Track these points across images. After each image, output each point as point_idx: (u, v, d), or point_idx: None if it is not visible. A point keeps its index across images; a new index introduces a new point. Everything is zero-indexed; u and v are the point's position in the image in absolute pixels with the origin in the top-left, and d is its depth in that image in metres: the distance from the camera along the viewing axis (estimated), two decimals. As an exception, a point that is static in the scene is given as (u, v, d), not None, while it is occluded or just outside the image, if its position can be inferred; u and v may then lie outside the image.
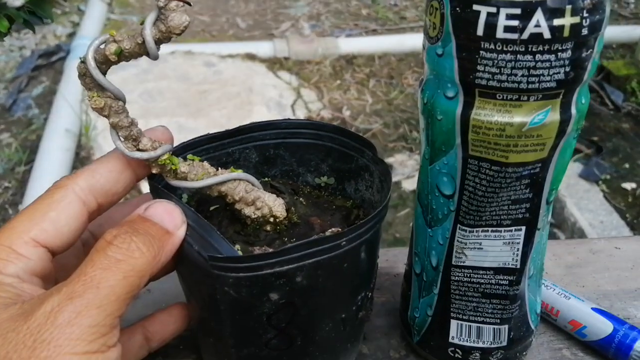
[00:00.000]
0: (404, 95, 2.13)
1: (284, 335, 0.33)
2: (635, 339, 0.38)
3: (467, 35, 0.28)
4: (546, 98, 0.29)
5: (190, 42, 2.27)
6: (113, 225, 0.29)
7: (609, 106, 2.01)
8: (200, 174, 0.34)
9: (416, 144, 1.87)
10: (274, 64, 2.25)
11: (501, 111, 0.29)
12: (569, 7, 0.27)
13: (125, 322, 0.43)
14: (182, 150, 0.37)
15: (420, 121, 0.34)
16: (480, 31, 0.27)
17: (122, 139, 0.31)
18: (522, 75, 0.28)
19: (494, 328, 0.36)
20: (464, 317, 0.36)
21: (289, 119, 0.42)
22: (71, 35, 2.40)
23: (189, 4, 0.28)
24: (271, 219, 0.36)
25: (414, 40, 2.39)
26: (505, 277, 0.35)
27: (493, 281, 0.35)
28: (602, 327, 0.39)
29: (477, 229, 0.33)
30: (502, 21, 0.27)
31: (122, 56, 0.29)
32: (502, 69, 0.28)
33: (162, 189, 0.33)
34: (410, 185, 1.71)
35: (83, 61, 0.29)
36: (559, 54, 0.27)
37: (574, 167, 1.68)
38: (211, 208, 0.38)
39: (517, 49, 0.27)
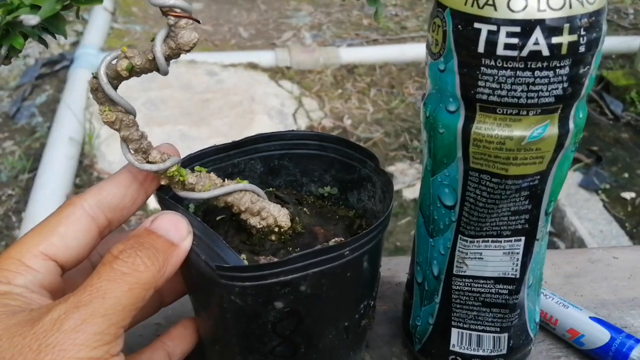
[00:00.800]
0: (405, 104, 2.15)
1: (289, 342, 0.34)
2: (631, 347, 0.39)
3: (468, 52, 0.29)
4: (545, 113, 0.30)
5: (193, 51, 2.28)
6: None
7: (609, 116, 2.03)
8: (207, 185, 0.34)
9: (417, 153, 1.88)
10: (276, 73, 2.26)
11: (501, 125, 0.30)
12: (566, 25, 0.28)
13: (133, 329, 0.44)
14: (189, 162, 0.38)
15: (423, 134, 0.34)
16: (481, 48, 0.28)
17: (132, 152, 0.32)
18: (522, 91, 0.29)
19: (494, 336, 0.37)
20: (465, 326, 0.37)
21: (293, 130, 0.43)
22: (75, 44, 2.41)
23: (197, 21, 0.29)
24: (276, 229, 0.37)
25: (414, 50, 2.40)
26: (505, 286, 0.35)
27: (493, 290, 0.36)
28: (600, 335, 0.40)
29: (478, 239, 0.34)
30: (502, 39, 0.28)
31: (133, 72, 0.30)
32: (502, 84, 0.29)
33: (169, 199, 0.34)
34: (411, 193, 1.72)
35: (95, 76, 0.30)
36: (557, 70, 0.28)
37: (574, 177, 1.69)
38: (217, 218, 0.39)
39: (517, 65, 0.28)
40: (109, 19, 2.58)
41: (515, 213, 0.33)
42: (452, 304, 0.37)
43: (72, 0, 0.27)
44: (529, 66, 0.28)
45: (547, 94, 0.29)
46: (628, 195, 1.67)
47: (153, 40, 0.29)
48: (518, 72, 0.28)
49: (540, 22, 0.27)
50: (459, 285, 0.36)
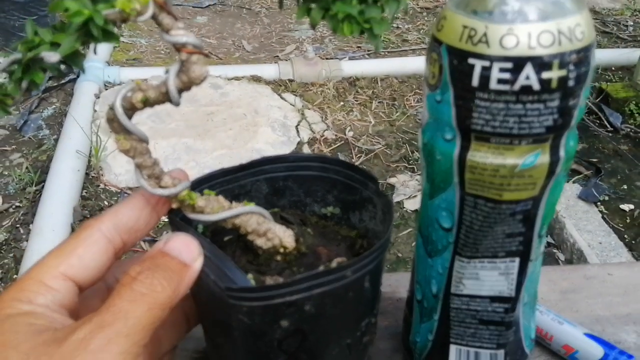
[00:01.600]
0: (406, 116, 2.17)
1: (294, 359, 0.35)
2: (624, 363, 0.40)
3: (463, 86, 0.31)
4: (536, 142, 0.31)
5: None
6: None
7: (608, 128, 2.04)
8: (216, 208, 0.36)
9: (418, 165, 1.89)
10: (279, 86, 2.29)
11: (495, 154, 0.32)
12: (556, 61, 0.29)
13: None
14: (198, 184, 0.40)
15: (421, 160, 0.36)
16: (475, 82, 0.30)
17: (146, 177, 0.34)
18: (514, 122, 0.30)
19: (491, 353, 0.38)
20: (463, 342, 0.39)
21: (297, 153, 0.45)
22: (80, 57, 2.44)
23: (207, 56, 0.31)
24: (281, 250, 0.38)
25: (415, 63, 2.43)
26: (500, 305, 0.37)
27: (489, 309, 0.37)
28: (594, 351, 0.41)
29: (474, 260, 0.36)
30: (495, 74, 0.30)
31: (147, 103, 0.31)
32: (496, 116, 0.30)
33: (179, 221, 0.36)
34: (411, 205, 1.73)
35: (111, 108, 0.32)
36: (548, 103, 0.30)
37: (573, 188, 1.70)
38: (225, 239, 0.40)
39: (509, 98, 0.30)
40: (116, 43, 2.60)
41: (510, 235, 0.34)
42: (451, 321, 0.38)
43: (91, 38, 0.29)
44: (520, 99, 0.30)
45: (538, 124, 0.30)
46: (627, 207, 1.69)
47: (166, 72, 0.31)
48: (510, 104, 0.30)
49: (531, 59, 0.29)
50: (457, 304, 0.37)
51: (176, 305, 0.31)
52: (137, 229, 0.34)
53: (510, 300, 0.37)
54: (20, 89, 0.29)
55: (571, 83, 0.30)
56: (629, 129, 2.03)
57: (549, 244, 1.54)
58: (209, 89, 2.21)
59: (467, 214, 0.34)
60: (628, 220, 1.64)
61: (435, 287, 0.38)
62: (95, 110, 2.05)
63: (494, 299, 0.37)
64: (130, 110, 0.32)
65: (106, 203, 1.69)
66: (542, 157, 0.32)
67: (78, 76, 2.23)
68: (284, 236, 0.38)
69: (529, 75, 0.29)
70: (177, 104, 0.32)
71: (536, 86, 0.29)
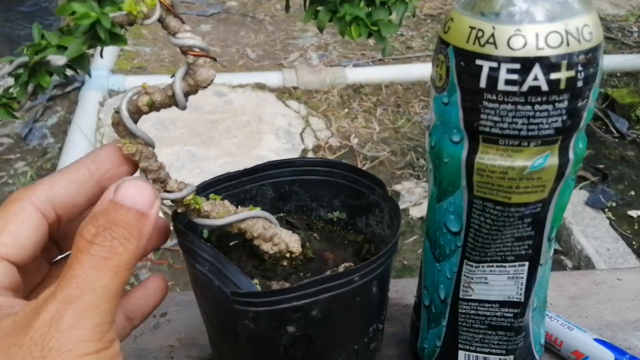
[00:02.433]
0: (411, 123, 2.16)
1: (301, 365, 0.35)
2: (636, 369, 0.39)
3: (470, 87, 0.30)
4: (545, 144, 0.31)
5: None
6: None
7: (614, 134, 2.03)
8: (221, 213, 0.36)
9: (423, 172, 1.89)
10: (283, 93, 2.29)
11: (503, 156, 0.31)
12: (564, 62, 0.29)
13: (147, 351, 0.45)
14: (203, 189, 0.39)
15: (428, 163, 0.36)
16: (483, 84, 0.30)
17: (151, 182, 0.33)
18: (523, 124, 0.30)
19: (500, 359, 0.38)
20: (471, 348, 0.38)
21: (303, 157, 0.44)
22: (85, 66, 2.45)
23: (214, 59, 0.31)
24: (287, 255, 0.38)
25: (420, 70, 2.43)
26: (510, 310, 0.36)
27: (498, 314, 0.37)
28: (604, 357, 0.41)
29: (483, 264, 0.35)
30: (503, 75, 0.29)
31: (154, 107, 0.31)
32: (504, 117, 0.30)
33: (184, 229, 0.36)
34: (417, 212, 1.72)
35: (117, 111, 0.32)
36: (556, 104, 0.30)
37: (580, 195, 1.70)
38: (231, 243, 0.40)
39: (517, 100, 0.30)
40: (122, 46, 2.62)
41: (519, 239, 0.34)
42: (459, 326, 0.38)
43: (97, 41, 0.29)
44: (529, 100, 0.29)
45: (547, 126, 0.30)
46: (635, 213, 1.68)
47: (173, 76, 0.31)
48: (519, 106, 0.30)
49: (539, 59, 0.29)
50: (465, 309, 0.37)
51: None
52: (75, 205, 0.31)
53: (520, 305, 0.36)
54: (26, 93, 0.29)
55: (580, 84, 0.30)
56: (635, 135, 2.02)
57: (556, 251, 1.53)
58: (213, 96, 2.21)
59: (475, 218, 0.34)
60: (636, 227, 1.62)
61: (444, 292, 0.37)
62: (99, 119, 2.06)
63: (503, 303, 0.36)
64: (136, 113, 0.32)
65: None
66: (551, 159, 0.31)
67: (83, 84, 2.24)
68: (290, 241, 0.38)
69: (537, 76, 0.29)
70: (183, 108, 0.31)
71: (544, 87, 0.29)
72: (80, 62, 0.30)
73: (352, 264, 0.38)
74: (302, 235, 0.40)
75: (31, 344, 0.24)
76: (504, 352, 0.38)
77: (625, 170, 1.87)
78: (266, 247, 0.37)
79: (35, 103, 2.18)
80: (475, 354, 0.38)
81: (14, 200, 0.30)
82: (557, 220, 0.34)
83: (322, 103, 2.25)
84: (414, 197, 1.78)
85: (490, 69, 0.29)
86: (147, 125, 1.97)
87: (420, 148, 2.01)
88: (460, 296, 0.37)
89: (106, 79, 2.25)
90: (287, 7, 0.34)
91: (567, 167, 0.32)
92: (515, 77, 0.29)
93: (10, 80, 0.30)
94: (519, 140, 0.31)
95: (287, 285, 0.36)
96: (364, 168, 1.88)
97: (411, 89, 2.36)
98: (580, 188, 1.74)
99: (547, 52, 0.29)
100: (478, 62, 0.30)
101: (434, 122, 0.34)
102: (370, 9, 0.31)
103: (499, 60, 0.29)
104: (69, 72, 0.31)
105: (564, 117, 0.30)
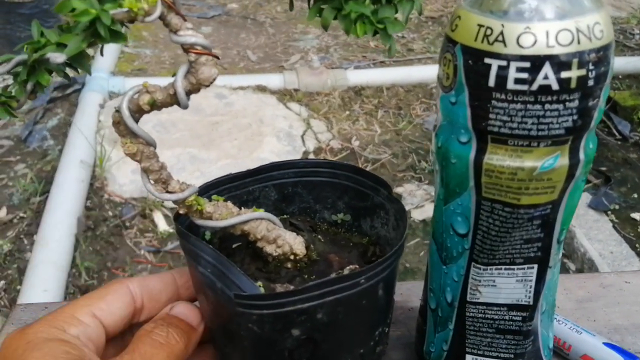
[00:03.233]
0: (412, 125, 2.16)
1: (305, 370, 0.34)
2: (646, 374, 0.39)
3: (479, 86, 0.30)
4: (555, 144, 0.30)
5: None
6: None
7: (617, 136, 2.03)
8: (224, 214, 0.35)
9: (425, 174, 1.88)
10: (284, 95, 2.28)
11: (513, 156, 0.31)
12: (575, 60, 0.28)
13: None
14: (205, 190, 0.39)
15: (435, 164, 0.35)
16: (491, 83, 0.29)
17: (153, 182, 0.33)
18: (532, 123, 0.29)
19: (508, 363, 0.37)
20: (479, 352, 0.37)
21: (306, 158, 0.44)
22: (85, 68, 2.44)
23: (217, 57, 0.30)
24: (292, 257, 0.37)
25: (421, 72, 2.42)
26: (518, 313, 0.36)
27: (507, 317, 0.36)
28: (614, 362, 0.40)
29: (491, 267, 0.34)
30: (512, 74, 0.29)
31: (155, 106, 0.31)
32: (513, 117, 0.29)
33: (186, 231, 0.35)
34: (419, 214, 1.72)
35: (118, 110, 0.31)
36: (567, 103, 0.29)
37: (583, 197, 1.69)
38: (234, 245, 0.39)
39: (527, 99, 0.29)
40: (123, 43, 2.62)
41: (528, 241, 0.33)
42: (466, 330, 0.37)
43: (97, 38, 0.28)
44: (539, 100, 0.29)
45: (557, 126, 0.29)
46: (638, 215, 1.67)
47: (174, 75, 0.31)
48: (528, 105, 0.29)
49: (550, 58, 0.28)
50: (473, 312, 0.36)
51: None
52: (158, 299, 0.37)
53: (528, 309, 0.35)
54: (25, 91, 0.29)
55: (591, 83, 0.29)
56: (637, 137, 2.02)
57: (558, 253, 1.52)
58: (213, 98, 2.21)
59: (483, 220, 0.33)
60: (639, 229, 1.62)
61: (451, 295, 0.37)
62: (99, 121, 2.05)
63: (511, 307, 0.36)
64: (137, 112, 0.31)
65: (110, 213, 1.69)
66: (562, 160, 0.31)
67: (83, 86, 2.24)
68: (294, 243, 0.37)
69: (547, 75, 0.28)
70: (185, 107, 0.31)
71: (555, 86, 0.29)
72: (80, 60, 0.29)
73: (357, 267, 0.37)
74: (306, 237, 0.39)
75: None
76: (512, 356, 0.37)
77: (628, 173, 1.87)
78: (270, 249, 0.37)
79: (36, 105, 2.18)
80: (483, 358, 0.37)
81: (114, 282, 0.36)
82: (566, 222, 0.34)
83: (323, 105, 2.24)
84: (415, 200, 1.78)
85: (499, 67, 0.29)
86: (148, 127, 1.96)
87: (422, 150, 2.01)
88: (468, 299, 0.36)
89: (106, 81, 2.25)
90: (291, 6, 0.34)
91: (577, 167, 0.31)
92: (525, 75, 0.29)
93: (11, 79, 0.30)
94: (528, 141, 0.30)
95: (292, 287, 0.35)
96: (366, 170, 1.87)
97: (412, 91, 2.36)
98: (583, 190, 1.73)
99: (557, 50, 0.28)
100: (487, 60, 0.29)
101: (440, 122, 0.34)
102: (375, 6, 0.31)
103: (508, 58, 0.29)
104: (69, 72, 0.30)
105: (575, 117, 0.30)
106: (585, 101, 0.29)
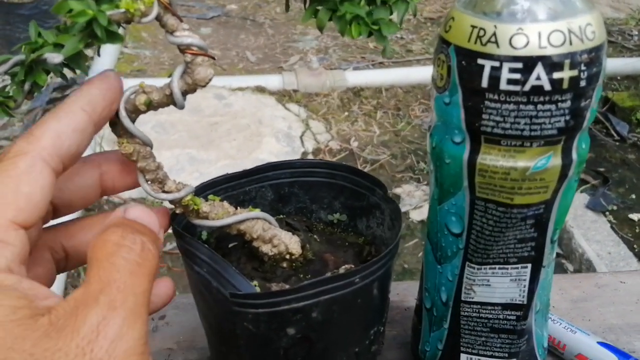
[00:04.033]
0: (411, 126, 2.16)
1: (300, 368, 0.34)
2: (640, 373, 0.39)
3: (472, 87, 0.30)
4: (548, 144, 0.30)
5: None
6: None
7: (615, 137, 2.03)
8: (220, 214, 0.35)
9: (423, 175, 1.89)
10: (283, 96, 2.29)
11: (506, 156, 0.31)
12: (567, 61, 0.29)
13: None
14: (202, 190, 0.39)
15: (429, 164, 0.35)
16: (484, 83, 0.29)
17: (149, 182, 0.33)
18: (525, 124, 0.30)
19: (503, 362, 0.37)
20: (474, 351, 0.38)
21: (303, 159, 0.44)
22: (85, 69, 2.45)
23: (213, 58, 0.31)
24: (287, 256, 0.37)
25: (420, 73, 2.42)
26: (512, 312, 0.36)
27: (501, 316, 0.36)
28: (608, 361, 0.40)
29: (485, 266, 0.35)
30: (505, 74, 0.29)
31: (151, 106, 0.31)
32: (506, 117, 0.30)
33: (182, 231, 0.35)
34: (417, 215, 1.72)
35: (114, 110, 0.31)
36: (559, 104, 0.29)
37: (581, 198, 1.69)
38: (230, 245, 0.40)
39: (520, 99, 0.29)
40: (119, 44, 2.62)
41: (522, 241, 0.34)
42: (461, 329, 0.37)
43: (94, 39, 0.28)
44: (531, 100, 0.29)
45: (549, 126, 0.30)
46: (636, 216, 1.67)
47: (170, 75, 0.31)
48: (521, 105, 0.29)
49: (542, 59, 0.28)
50: (467, 312, 0.37)
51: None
52: (79, 155, 0.29)
53: (523, 308, 0.36)
54: (22, 91, 0.29)
55: (583, 83, 0.29)
56: (635, 138, 2.02)
57: (557, 255, 1.52)
58: (212, 99, 2.21)
59: (477, 219, 0.33)
60: (637, 230, 1.62)
61: (445, 295, 0.37)
62: (100, 122, 2.05)
63: (505, 306, 0.36)
64: (134, 113, 0.31)
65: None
66: (554, 160, 0.31)
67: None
68: (290, 242, 0.37)
69: (539, 76, 0.29)
70: (181, 107, 0.31)
71: (547, 86, 0.29)
72: (77, 61, 0.29)
73: (352, 266, 0.37)
74: (302, 237, 0.39)
75: (78, 352, 0.22)
76: (506, 355, 0.37)
77: (626, 174, 1.87)
78: (266, 248, 0.37)
79: (35, 106, 2.18)
80: (477, 357, 0.38)
81: (20, 155, 0.26)
82: (560, 221, 0.34)
83: (322, 106, 2.25)
84: (414, 201, 1.78)
85: (492, 68, 0.29)
86: (147, 128, 1.97)
87: (421, 151, 2.01)
88: (462, 299, 0.36)
89: (106, 82, 2.25)
90: (287, 7, 0.34)
91: (570, 167, 0.32)
92: (517, 76, 0.29)
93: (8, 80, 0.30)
94: (521, 141, 0.30)
95: (287, 286, 0.36)
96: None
97: (411, 92, 2.36)
98: (581, 191, 1.74)
99: (549, 51, 0.29)
100: (480, 61, 0.29)
101: (435, 122, 0.34)
102: (370, 7, 0.31)
103: (501, 59, 0.29)
104: (67, 72, 0.31)
105: (567, 117, 0.30)
106: (578, 102, 0.30)
